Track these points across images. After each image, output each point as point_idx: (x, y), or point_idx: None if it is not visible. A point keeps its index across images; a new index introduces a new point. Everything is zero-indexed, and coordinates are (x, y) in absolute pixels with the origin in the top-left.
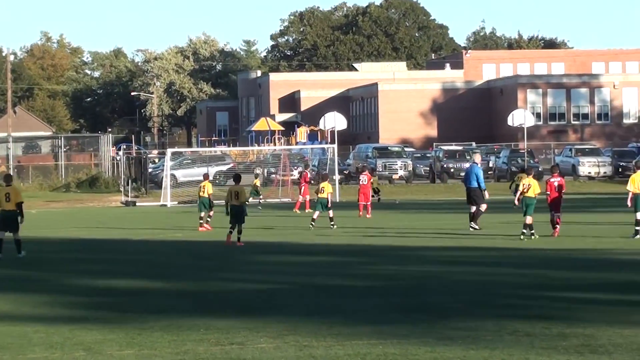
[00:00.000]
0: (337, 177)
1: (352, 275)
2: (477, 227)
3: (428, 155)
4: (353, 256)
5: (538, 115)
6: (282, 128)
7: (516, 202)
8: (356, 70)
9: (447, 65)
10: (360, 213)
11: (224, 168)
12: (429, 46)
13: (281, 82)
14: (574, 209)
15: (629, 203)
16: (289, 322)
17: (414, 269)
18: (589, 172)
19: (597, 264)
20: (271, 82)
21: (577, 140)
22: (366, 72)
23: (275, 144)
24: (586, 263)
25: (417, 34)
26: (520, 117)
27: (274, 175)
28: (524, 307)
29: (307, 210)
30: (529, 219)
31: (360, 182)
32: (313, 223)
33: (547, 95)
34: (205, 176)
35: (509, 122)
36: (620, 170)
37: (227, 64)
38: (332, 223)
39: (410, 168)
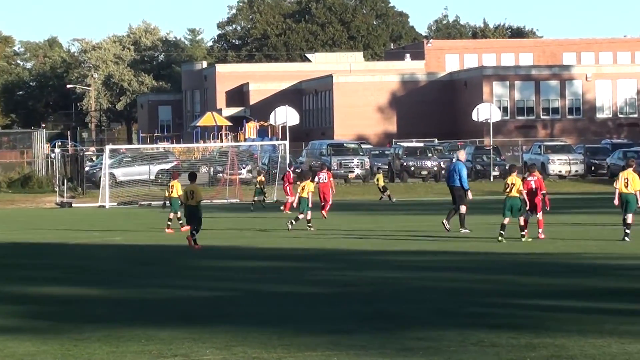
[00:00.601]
0: None
1: (305, 281)
2: (467, 230)
3: (387, 152)
4: (307, 261)
5: (505, 110)
6: (230, 123)
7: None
8: (309, 61)
9: (407, 55)
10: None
11: (167, 166)
12: (387, 35)
13: (228, 74)
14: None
15: (616, 202)
16: (236, 332)
17: (373, 274)
18: (560, 171)
19: (567, 269)
20: (218, 74)
21: (546, 136)
22: (320, 63)
23: (222, 141)
24: (556, 268)
25: (374, 22)
26: (486, 112)
27: (221, 174)
28: (490, 315)
29: (286, 212)
30: (521, 220)
31: (320, 181)
32: (309, 224)
33: (515, 88)
34: (175, 175)
35: (474, 117)
36: (593, 168)
37: (170, 54)
38: (291, 221)
39: (367, 166)
